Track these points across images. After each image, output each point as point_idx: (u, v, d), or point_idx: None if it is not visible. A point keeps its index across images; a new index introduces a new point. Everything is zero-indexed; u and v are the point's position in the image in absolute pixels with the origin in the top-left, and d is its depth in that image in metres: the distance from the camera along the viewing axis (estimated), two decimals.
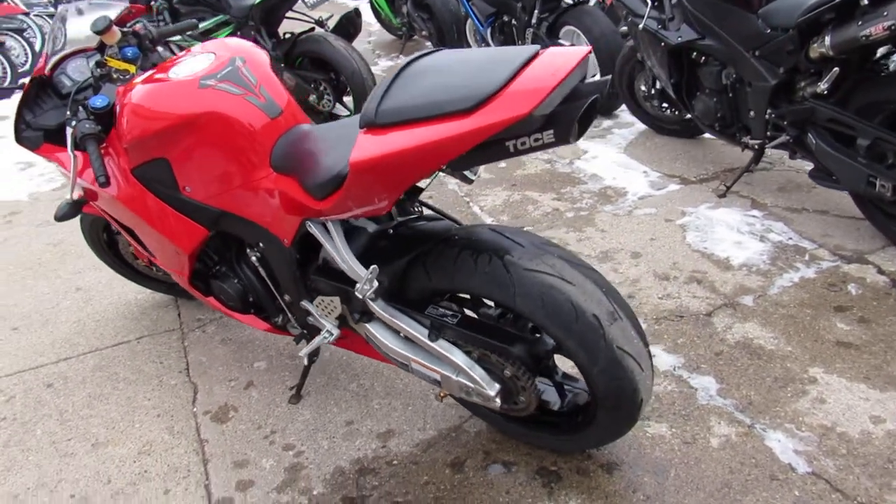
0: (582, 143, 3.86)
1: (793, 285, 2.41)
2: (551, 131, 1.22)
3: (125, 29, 2.01)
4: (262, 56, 1.82)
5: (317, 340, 1.84)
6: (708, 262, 2.59)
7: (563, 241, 2.84)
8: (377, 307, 1.65)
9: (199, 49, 1.83)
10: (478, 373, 1.60)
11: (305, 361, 2.01)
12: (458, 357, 1.60)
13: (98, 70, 1.93)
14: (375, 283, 1.56)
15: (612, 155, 3.68)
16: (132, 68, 1.97)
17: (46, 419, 2.17)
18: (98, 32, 1.90)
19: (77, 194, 1.98)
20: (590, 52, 1.25)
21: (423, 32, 5.96)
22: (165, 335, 2.52)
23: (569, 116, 1.20)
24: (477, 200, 3.31)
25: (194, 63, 1.75)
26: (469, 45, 5.30)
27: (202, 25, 4.25)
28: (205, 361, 2.37)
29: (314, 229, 1.63)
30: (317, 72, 4.23)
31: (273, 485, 1.84)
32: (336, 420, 2.04)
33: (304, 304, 1.86)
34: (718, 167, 3.41)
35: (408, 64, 1.40)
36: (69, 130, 1.81)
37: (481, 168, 3.02)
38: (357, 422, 2.02)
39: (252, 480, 1.86)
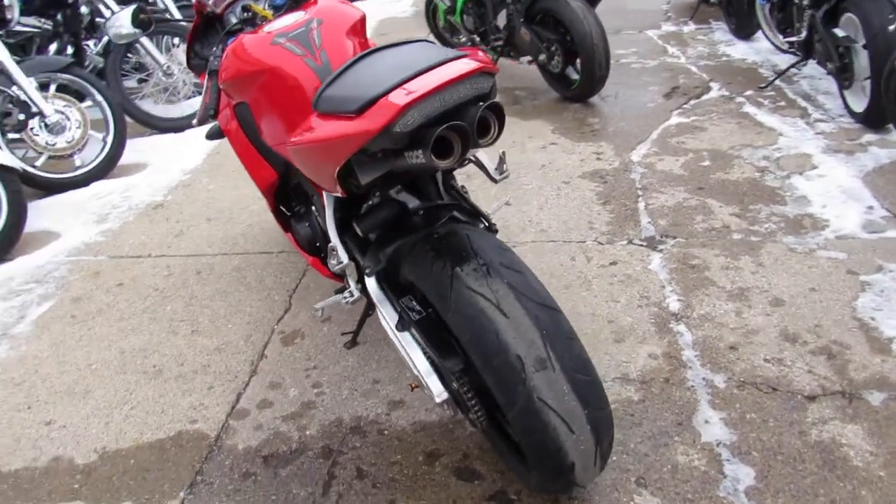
0: (818, 154, 3.25)
1: None
2: (419, 151, 1.11)
3: None
4: (345, 19, 1.88)
5: (334, 298, 1.94)
6: (860, 337, 2.08)
7: (704, 264, 2.49)
8: (368, 283, 1.68)
9: (304, 8, 1.95)
10: (430, 377, 1.56)
11: (320, 314, 2.12)
12: (415, 355, 1.57)
13: (244, 14, 2.18)
14: (345, 260, 1.59)
15: (843, 177, 3.04)
16: (269, 15, 2.17)
17: (178, 299, 2.63)
18: None
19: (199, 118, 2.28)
20: (478, 70, 1.09)
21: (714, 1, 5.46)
22: (297, 255, 2.82)
23: (425, 141, 1.08)
24: (649, 196, 3.03)
25: (286, 20, 1.88)
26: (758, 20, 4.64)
27: None
28: (311, 287, 2.62)
29: (324, 198, 1.70)
30: (551, 31, 4.13)
31: (284, 413, 2.02)
32: (367, 376, 2.13)
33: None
34: None
35: (366, 54, 1.36)
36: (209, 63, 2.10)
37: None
38: (382, 383, 2.10)
39: (272, 403, 2.07)
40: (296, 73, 1.76)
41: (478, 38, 4.80)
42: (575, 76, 4.20)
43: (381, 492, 1.72)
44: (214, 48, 2.16)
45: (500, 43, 4.56)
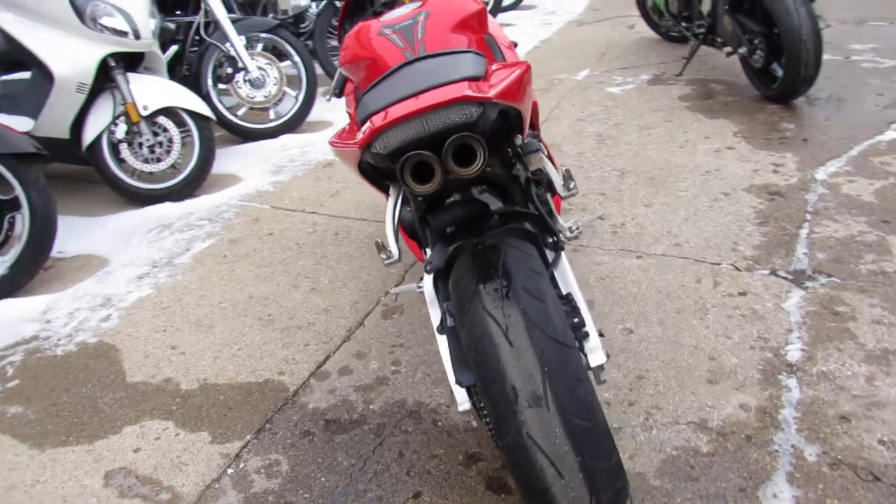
0: None
1: None
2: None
3: None
4: (455, 14, 1.86)
5: (409, 286, 1.98)
6: None
7: (851, 313, 2.15)
8: (425, 279, 1.70)
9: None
10: (457, 385, 1.55)
11: (394, 298, 2.16)
12: (447, 360, 1.58)
13: None
14: (395, 255, 1.62)
15: None
16: (407, 1, 2.23)
17: (311, 256, 2.85)
18: None
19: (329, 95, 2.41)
20: (461, 98, 1.02)
21: None
22: None
23: (401, 165, 1.05)
24: (817, 223, 2.66)
25: (400, 10, 1.92)
26: None
27: None
28: None
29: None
30: (758, 22, 3.72)
31: (358, 383, 2.13)
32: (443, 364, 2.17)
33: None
34: None
35: (404, 64, 1.35)
36: None
37: None
38: None
39: (352, 371, 2.19)
40: (392, 65, 1.79)
41: (682, 24, 4.48)
42: (779, 73, 3.76)
43: (412, 481, 1.76)
44: None
45: (702, 30, 4.23)
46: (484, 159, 1.11)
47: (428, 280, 1.68)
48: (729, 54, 3.98)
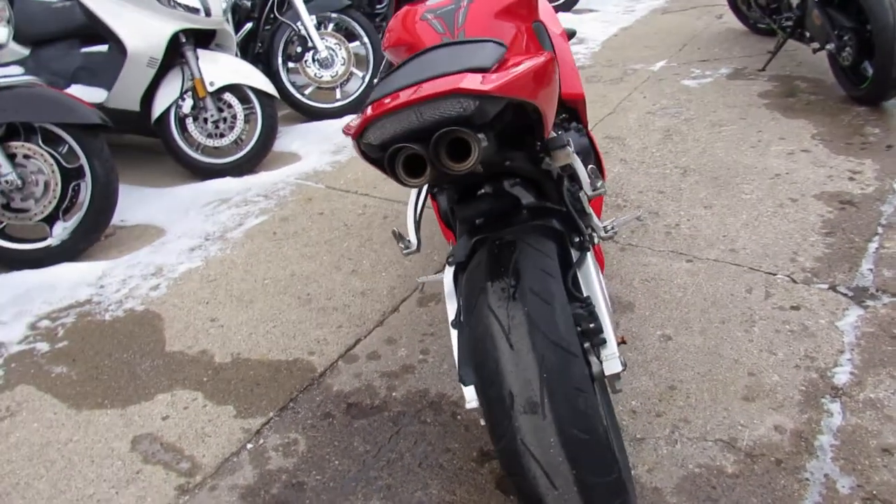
0: None
1: None
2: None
3: None
4: (501, 2, 1.81)
5: (437, 276, 1.95)
6: None
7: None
8: (446, 272, 1.67)
9: None
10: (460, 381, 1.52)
11: (421, 288, 2.13)
12: (455, 355, 1.54)
13: None
14: (413, 246, 1.60)
15: None
16: None
17: (357, 238, 2.86)
18: None
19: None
20: (455, 91, 0.97)
21: None
22: None
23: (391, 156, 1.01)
24: (889, 237, 2.47)
25: None
26: None
27: None
28: None
29: None
30: (849, 17, 3.46)
31: (385, 369, 2.13)
32: None
33: None
34: None
35: (424, 51, 1.31)
36: None
37: None
38: None
39: (380, 356, 2.19)
40: None
41: (770, 15, 4.24)
42: (869, 73, 3.50)
43: (423, 473, 1.75)
44: None
45: (789, 23, 3.98)
46: (478, 155, 1.06)
47: (448, 272, 1.65)
48: (816, 50, 3.74)
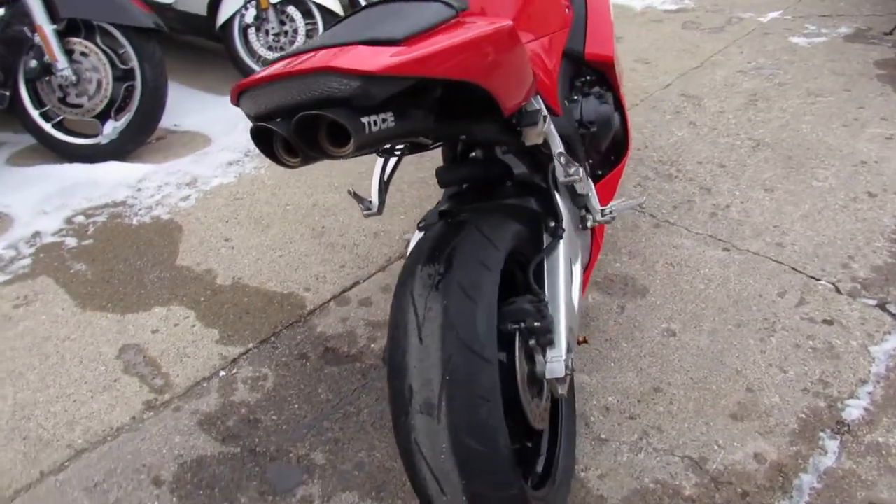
0: None
1: None
2: None
3: None
4: None
5: (418, 234, 1.86)
6: None
7: None
8: (413, 236, 1.59)
9: None
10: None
11: (407, 245, 2.03)
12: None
13: None
14: (374, 209, 1.53)
15: None
16: None
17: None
18: None
19: None
20: (325, 69, 0.84)
21: None
22: None
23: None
24: None
25: None
26: None
27: None
28: None
29: None
30: None
31: (371, 318, 2.09)
32: None
33: None
34: None
35: (367, 6, 1.17)
36: None
37: None
38: None
39: (371, 304, 2.14)
40: None
41: None
42: None
43: (373, 433, 1.72)
44: None
45: None
46: (361, 140, 0.94)
47: (415, 237, 1.56)
48: None
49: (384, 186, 1.67)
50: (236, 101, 1.03)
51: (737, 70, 3.46)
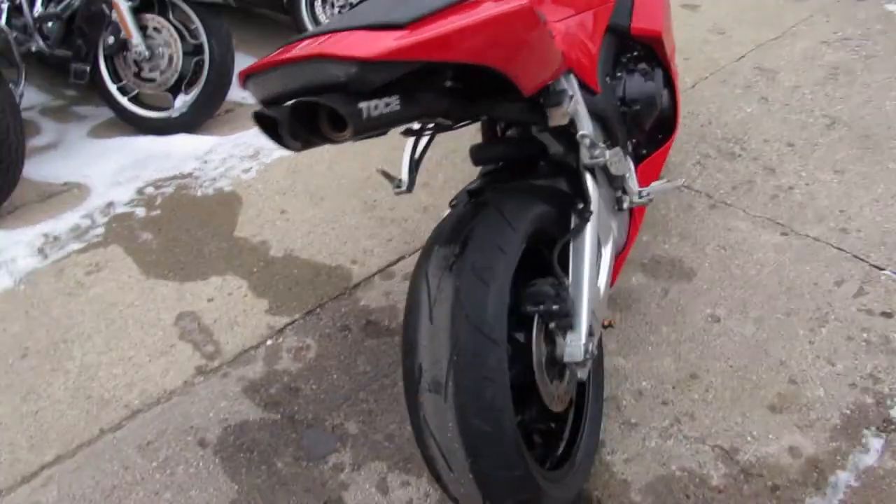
0: None
1: None
2: None
3: None
4: None
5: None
6: None
7: None
8: (447, 213, 1.61)
9: None
10: None
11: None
12: None
13: None
14: (404, 186, 1.56)
15: None
16: None
17: (442, 148, 2.79)
18: None
19: None
20: (318, 55, 0.84)
21: None
22: None
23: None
24: None
25: None
26: None
27: None
28: None
29: None
30: None
31: None
32: None
33: None
34: None
35: None
36: None
37: None
38: None
39: None
40: None
41: None
42: None
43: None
44: None
45: None
46: (359, 125, 0.96)
47: (446, 215, 1.57)
48: None
49: (415, 165, 1.68)
50: (244, 85, 1.07)
51: (820, 41, 3.26)
